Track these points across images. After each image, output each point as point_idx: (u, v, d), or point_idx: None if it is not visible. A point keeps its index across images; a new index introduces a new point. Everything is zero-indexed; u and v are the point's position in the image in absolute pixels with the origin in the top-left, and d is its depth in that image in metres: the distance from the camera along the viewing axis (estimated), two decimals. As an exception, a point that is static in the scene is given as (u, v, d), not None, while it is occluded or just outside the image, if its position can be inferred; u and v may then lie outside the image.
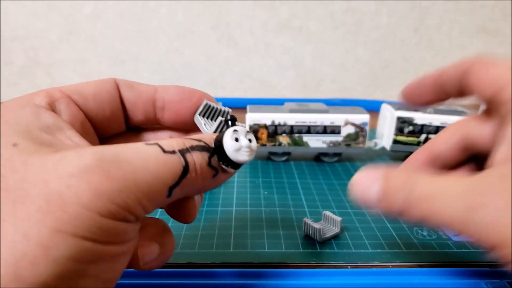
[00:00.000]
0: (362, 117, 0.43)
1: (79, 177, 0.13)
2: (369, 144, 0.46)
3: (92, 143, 0.19)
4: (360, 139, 0.43)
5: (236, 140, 0.17)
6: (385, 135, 0.46)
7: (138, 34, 0.68)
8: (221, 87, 0.72)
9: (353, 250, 0.28)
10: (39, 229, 0.12)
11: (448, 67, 0.24)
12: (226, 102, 0.62)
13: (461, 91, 0.23)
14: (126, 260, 0.16)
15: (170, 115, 0.21)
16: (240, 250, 0.28)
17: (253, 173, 0.42)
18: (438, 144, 0.24)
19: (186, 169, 0.16)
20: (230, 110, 0.21)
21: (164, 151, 0.16)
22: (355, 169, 0.43)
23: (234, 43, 0.70)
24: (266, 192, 0.37)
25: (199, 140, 0.17)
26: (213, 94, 0.80)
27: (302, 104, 0.45)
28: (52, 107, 0.17)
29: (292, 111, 0.43)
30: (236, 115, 0.20)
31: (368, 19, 0.70)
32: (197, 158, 0.17)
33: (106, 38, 0.68)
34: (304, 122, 0.42)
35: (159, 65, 0.70)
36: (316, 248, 0.28)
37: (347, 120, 0.42)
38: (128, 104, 0.20)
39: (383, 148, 0.48)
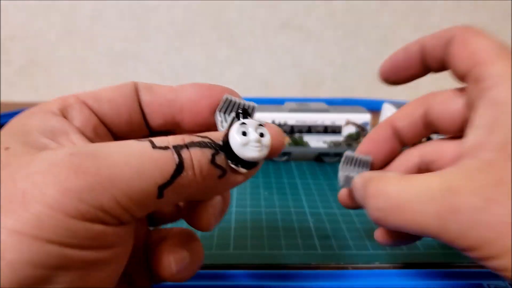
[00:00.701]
0: (363, 117, 0.42)
1: (45, 173, 0.12)
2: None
3: None
4: (361, 139, 0.43)
5: (244, 134, 0.16)
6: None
7: (137, 33, 0.68)
8: (221, 87, 0.72)
9: (354, 251, 0.28)
10: None
11: (431, 36, 0.22)
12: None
13: (442, 64, 0.21)
14: (113, 269, 0.14)
15: (189, 116, 0.19)
16: (240, 251, 0.27)
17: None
18: (400, 119, 0.23)
19: (180, 166, 0.14)
20: (255, 105, 0.19)
21: (154, 146, 0.14)
22: (356, 169, 0.42)
23: (234, 43, 0.70)
24: (266, 193, 0.37)
25: (204, 137, 0.16)
26: (213, 93, 0.77)
27: (303, 103, 0.44)
28: (64, 113, 0.17)
29: (292, 110, 0.42)
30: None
31: (368, 18, 0.70)
32: (195, 155, 0.15)
33: (106, 38, 0.68)
34: (304, 121, 0.42)
35: (159, 64, 0.70)
36: (317, 249, 0.28)
37: (348, 120, 0.42)
38: (145, 107, 0.19)
39: (384, 148, 0.48)
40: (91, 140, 0.17)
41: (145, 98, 0.19)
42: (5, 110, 0.54)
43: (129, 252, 0.15)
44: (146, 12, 0.67)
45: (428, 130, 0.22)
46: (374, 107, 0.56)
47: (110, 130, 0.18)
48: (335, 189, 0.37)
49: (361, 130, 0.43)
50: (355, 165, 0.22)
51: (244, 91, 0.73)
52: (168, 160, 0.14)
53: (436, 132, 0.23)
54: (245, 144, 0.16)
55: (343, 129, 0.42)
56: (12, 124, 0.16)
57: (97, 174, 0.13)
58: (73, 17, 0.66)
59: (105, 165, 0.13)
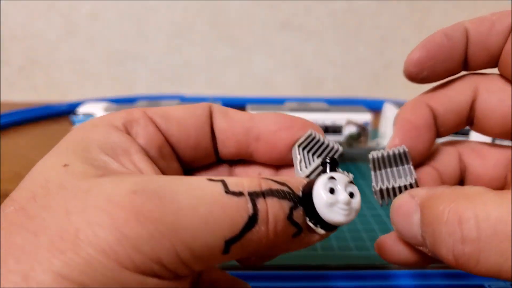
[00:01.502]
0: (364, 117, 0.42)
1: (103, 212, 0.11)
2: (371, 144, 0.45)
3: (172, 170, 0.17)
4: (362, 138, 0.43)
5: (332, 191, 0.13)
6: (387, 135, 0.45)
7: (136, 33, 0.68)
8: (221, 86, 0.72)
9: (354, 252, 0.27)
10: (42, 272, 0.10)
11: (478, 22, 0.17)
12: (226, 101, 0.63)
13: (490, 60, 0.17)
14: None
15: (265, 147, 0.17)
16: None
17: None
18: (441, 102, 0.17)
19: (253, 219, 0.12)
20: (340, 148, 0.17)
21: (228, 191, 0.12)
22: (358, 170, 0.42)
23: (234, 42, 0.69)
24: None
25: (283, 184, 0.13)
26: (213, 93, 0.79)
27: (303, 103, 0.44)
28: (128, 128, 0.15)
29: (293, 110, 0.42)
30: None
31: (369, 18, 0.69)
32: (273, 207, 0.13)
33: (105, 37, 0.68)
34: (304, 121, 0.42)
35: (158, 64, 0.70)
36: (317, 250, 0.28)
37: (349, 120, 0.42)
38: (219, 132, 0.17)
39: (384, 148, 0.48)
40: (155, 160, 0.15)
41: (220, 123, 0.17)
42: (5, 110, 0.54)
43: None
44: (145, 12, 0.67)
45: (468, 119, 0.18)
46: (375, 107, 0.56)
47: (176, 152, 0.17)
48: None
49: (362, 130, 0.42)
50: (390, 165, 0.17)
51: (244, 91, 0.72)
52: (241, 210, 0.12)
53: (469, 127, 0.18)
54: (332, 205, 0.13)
55: (344, 128, 0.42)
56: (73, 135, 0.15)
57: (160, 221, 0.11)
58: (72, 17, 0.66)
59: (171, 210, 0.11)
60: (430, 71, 0.17)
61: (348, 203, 0.13)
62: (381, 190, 0.17)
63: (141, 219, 0.11)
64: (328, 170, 0.14)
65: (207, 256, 0.12)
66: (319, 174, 0.15)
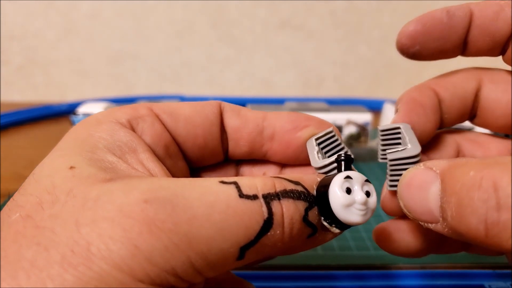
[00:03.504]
0: (364, 117, 0.42)
1: (115, 223, 0.10)
2: (371, 144, 0.45)
3: (178, 170, 0.16)
4: (362, 138, 0.43)
5: (348, 191, 0.13)
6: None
7: (136, 32, 0.68)
8: (221, 86, 0.72)
9: (355, 252, 0.27)
10: None
11: (484, 4, 0.15)
12: (225, 101, 0.63)
13: (495, 46, 0.16)
14: None
15: (279, 146, 0.17)
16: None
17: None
18: (445, 88, 0.17)
19: (268, 223, 0.12)
20: (352, 155, 0.16)
21: (241, 194, 0.12)
22: (358, 170, 0.42)
23: (234, 42, 0.69)
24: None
25: (297, 183, 0.13)
26: (213, 93, 0.79)
27: (303, 103, 0.44)
28: (133, 125, 0.15)
29: (293, 110, 0.42)
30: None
31: (369, 17, 0.69)
32: (288, 210, 0.12)
33: (104, 37, 0.68)
34: (305, 121, 0.42)
35: (158, 64, 0.70)
36: (317, 250, 0.28)
37: (349, 120, 0.42)
38: (231, 131, 0.17)
39: (384, 148, 0.48)
40: (161, 159, 0.15)
41: (232, 122, 0.17)
42: (5, 110, 0.54)
43: None
44: (145, 11, 0.67)
45: (472, 111, 0.17)
46: (374, 107, 0.56)
47: (182, 151, 0.16)
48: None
49: (362, 130, 0.42)
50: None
51: (244, 91, 0.72)
52: (255, 215, 0.12)
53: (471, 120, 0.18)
54: (349, 206, 0.12)
55: (344, 129, 0.42)
56: (77, 132, 0.14)
57: (174, 232, 0.11)
58: (71, 17, 0.66)
59: (184, 219, 0.11)
60: (423, 47, 0.16)
61: (365, 203, 0.13)
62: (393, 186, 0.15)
63: (155, 230, 0.10)
64: (343, 168, 0.14)
65: (222, 263, 0.11)
66: (331, 171, 0.15)
